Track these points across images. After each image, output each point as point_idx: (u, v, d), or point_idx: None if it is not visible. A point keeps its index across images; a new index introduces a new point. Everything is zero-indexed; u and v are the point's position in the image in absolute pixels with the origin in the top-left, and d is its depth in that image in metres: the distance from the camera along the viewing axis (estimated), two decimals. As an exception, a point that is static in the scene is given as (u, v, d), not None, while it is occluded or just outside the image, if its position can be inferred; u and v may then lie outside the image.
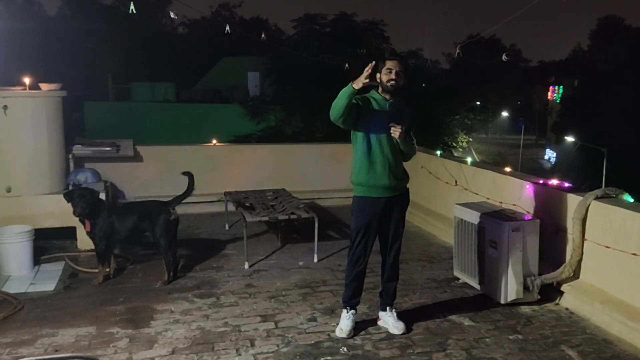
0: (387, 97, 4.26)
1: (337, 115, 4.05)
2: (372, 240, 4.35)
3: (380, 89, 4.27)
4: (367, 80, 3.97)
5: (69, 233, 6.50)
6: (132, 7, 6.58)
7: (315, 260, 6.12)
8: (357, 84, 3.95)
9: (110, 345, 4.20)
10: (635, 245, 4.35)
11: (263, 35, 10.07)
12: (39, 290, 5.28)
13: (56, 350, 4.12)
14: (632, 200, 4.77)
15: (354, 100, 4.06)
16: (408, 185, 4.47)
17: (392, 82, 4.17)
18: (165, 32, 44.95)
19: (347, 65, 9.97)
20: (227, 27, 9.22)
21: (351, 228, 4.39)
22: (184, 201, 5.73)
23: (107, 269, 5.57)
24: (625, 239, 4.45)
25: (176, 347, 4.19)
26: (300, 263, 6.08)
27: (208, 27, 42.58)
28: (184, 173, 5.86)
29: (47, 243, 6.45)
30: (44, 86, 6.63)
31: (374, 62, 4.01)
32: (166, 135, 19.53)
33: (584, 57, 58.07)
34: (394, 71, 4.17)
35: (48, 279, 5.56)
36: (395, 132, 4.14)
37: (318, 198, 8.58)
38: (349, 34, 21.85)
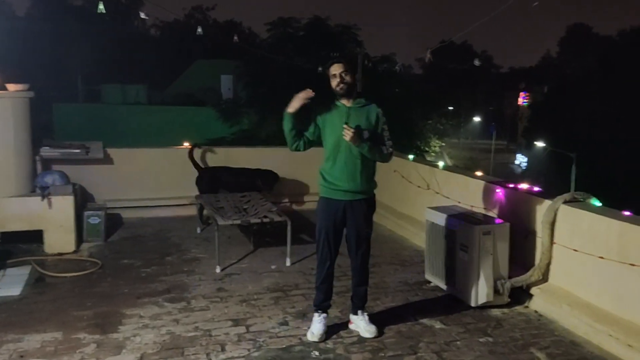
0: (346, 102, 4.28)
1: (290, 144, 4.34)
2: (334, 242, 4.35)
3: (338, 97, 4.29)
4: (299, 104, 4.13)
5: (36, 236, 6.37)
6: (100, 6, 6.46)
7: (288, 263, 6.10)
8: (290, 108, 4.16)
9: (77, 351, 4.12)
10: (602, 249, 4.43)
11: (236, 38, 10.01)
12: (5, 295, 5.16)
13: (21, 357, 4.04)
14: (599, 204, 4.86)
15: (316, 123, 4.29)
16: (376, 191, 4.45)
17: (339, 86, 4.23)
18: (137, 34, 44.47)
19: (320, 69, 9.97)
20: (200, 29, 9.12)
21: (316, 229, 4.40)
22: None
23: None
24: (593, 242, 4.53)
25: (145, 352, 4.12)
26: (273, 267, 6.05)
27: (181, 30, 42.24)
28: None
29: (13, 247, 6.31)
30: (11, 87, 6.50)
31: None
32: (138, 137, 19.27)
33: (553, 63, 59.01)
34: (337, 74, 4.22)
35: (14, 284, 5.43)
36: (346, 135, 4.09)
37: (291, 201, 8.56)
38: (323, 38, 21.84)
